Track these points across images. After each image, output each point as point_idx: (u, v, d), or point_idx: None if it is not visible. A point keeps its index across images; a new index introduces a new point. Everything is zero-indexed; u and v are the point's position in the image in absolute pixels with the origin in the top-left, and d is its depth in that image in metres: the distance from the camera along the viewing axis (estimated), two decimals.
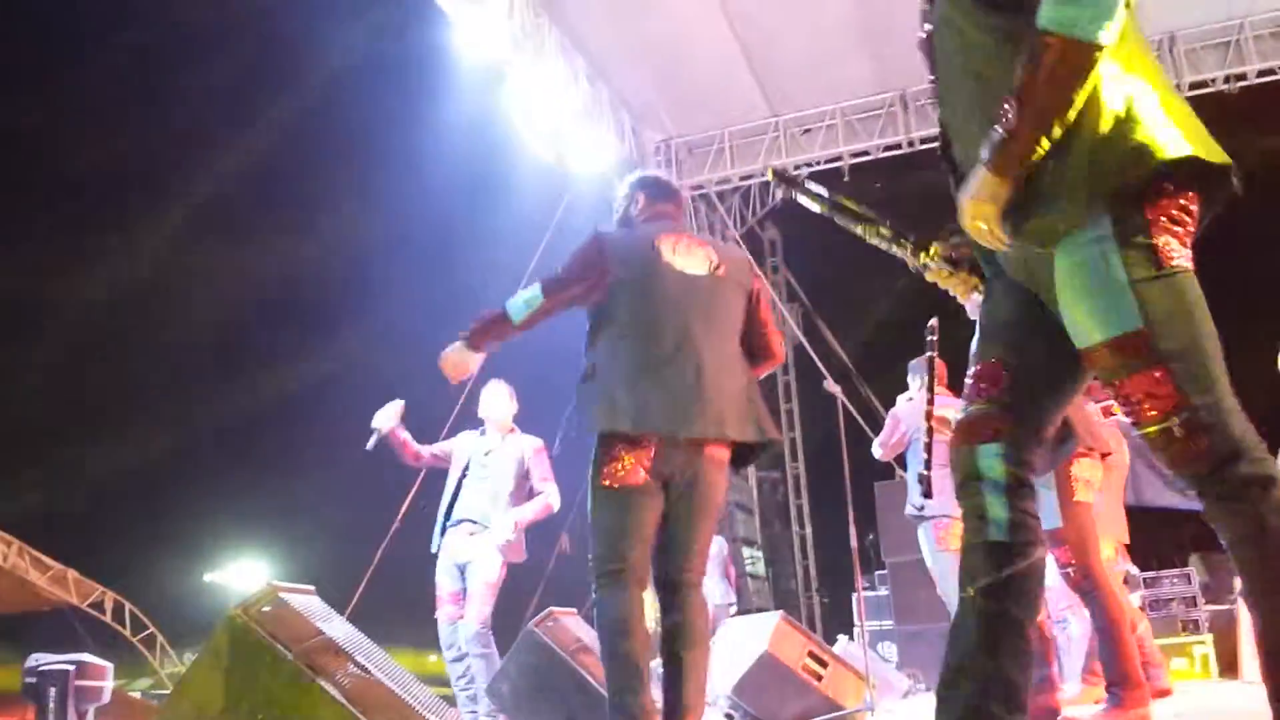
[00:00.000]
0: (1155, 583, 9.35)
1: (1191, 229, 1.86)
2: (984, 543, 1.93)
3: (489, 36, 10.41)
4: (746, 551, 15.23)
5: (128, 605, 15.92)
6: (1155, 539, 7.69)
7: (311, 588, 3.47)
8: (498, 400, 5.95)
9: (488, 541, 5.57)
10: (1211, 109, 12.33)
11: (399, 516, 10.50)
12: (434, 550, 5.68)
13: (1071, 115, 1.81)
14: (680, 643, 3.15)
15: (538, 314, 3.45)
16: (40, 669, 4.88)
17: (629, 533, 3.13)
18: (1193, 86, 12.13)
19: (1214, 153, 1.87)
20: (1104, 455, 5.04)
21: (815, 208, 2.40)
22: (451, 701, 4.54)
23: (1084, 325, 1.86)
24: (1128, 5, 1.82)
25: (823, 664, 5.46)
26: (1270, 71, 11.92)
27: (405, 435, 5.79)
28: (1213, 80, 12.11)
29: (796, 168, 12.70)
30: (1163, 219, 1.82)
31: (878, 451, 6.07)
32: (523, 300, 3.48)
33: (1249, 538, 1.77)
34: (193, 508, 28.58)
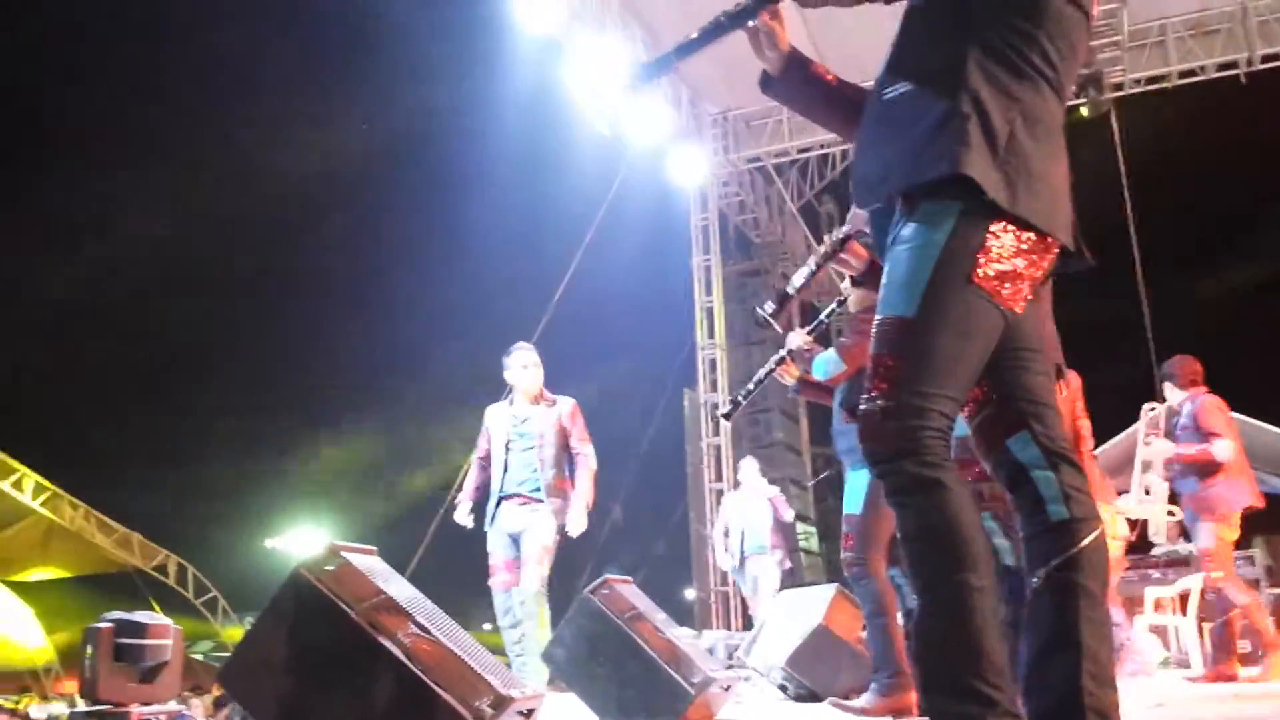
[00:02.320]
0: None
1: (1027, 267, 1.96)
2: (1047, 526, 1.97)
3: (549, 7, 10.40)
4: (800, 527, 15.22)
5: (190, 569, 16.22)
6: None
7: (373, 548, 3.51)
8: (531, 369, 5.95)
9: (539, 509, 5.65)
10: None
11: (455, 487, 10.60)
12: (485, 528, 5.77)
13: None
14: None
15: None
16: (87, 627, 4.96)
17: None
18: (1265, 60, 11.86)
19: (1055, 228, 1.98)
20: None
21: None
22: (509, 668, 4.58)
23: (883, 293, 1.99)
24: (1054, 88, 2.02)
25: None
26: None
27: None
28: None
29: None
30: (1002, 242, 1.93)
31: None
32: None
33: (909, 534, 1.90)
34: (255, 475, 29.08)
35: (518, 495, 5.71)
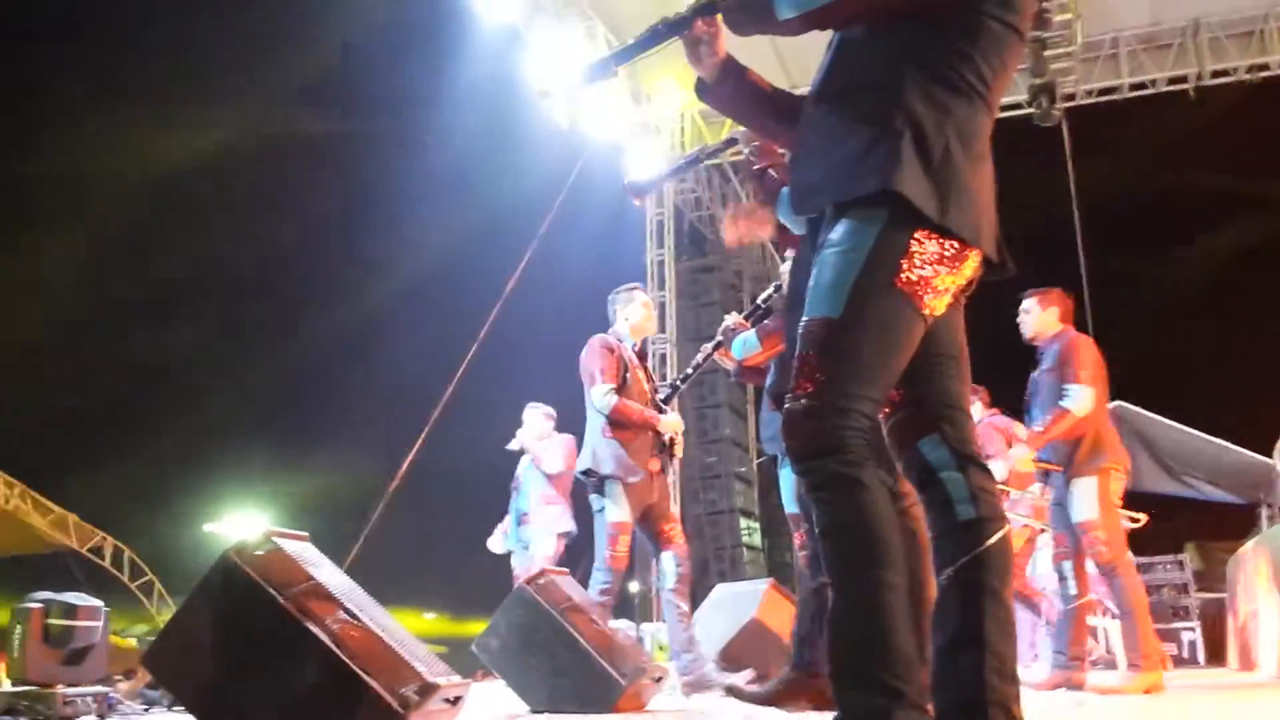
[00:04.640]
0: (1148, 569, 9.38)
1: (949, 274, 2.01)
2: (954, 525, 2.02)
3: None
4: (744, 522, 15.30)
5: (126, 551, 16.01)
6: (1151, 526, 7.71)
7: (306, 534, 3.49)
8: (652, 310, 5.59)
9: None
10: (1232, 98, 12.26)
11: (398, 476, 10.55)
12: (623, 479, 5.26)
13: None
14: None
15: None
16: (15, 607, 4.90)
17: None
18: (1214, 75, 12.06)
19: (981, 240, 2.03)
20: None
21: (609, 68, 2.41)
22: (445, 659, 4.50)
23: (810, 295, 2.04)
24: (986, 104, 2.06)
25: None
26: None
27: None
28: (1234, 69, 12.03)
29: None
30: (925, 249, 1.98)
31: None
32: None
33: (826, 530, 1.94)
34: (194, 459, 28.74)
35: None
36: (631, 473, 5.21)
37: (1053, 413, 5.33)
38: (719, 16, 2.28)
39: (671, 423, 5.34)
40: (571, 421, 5.79)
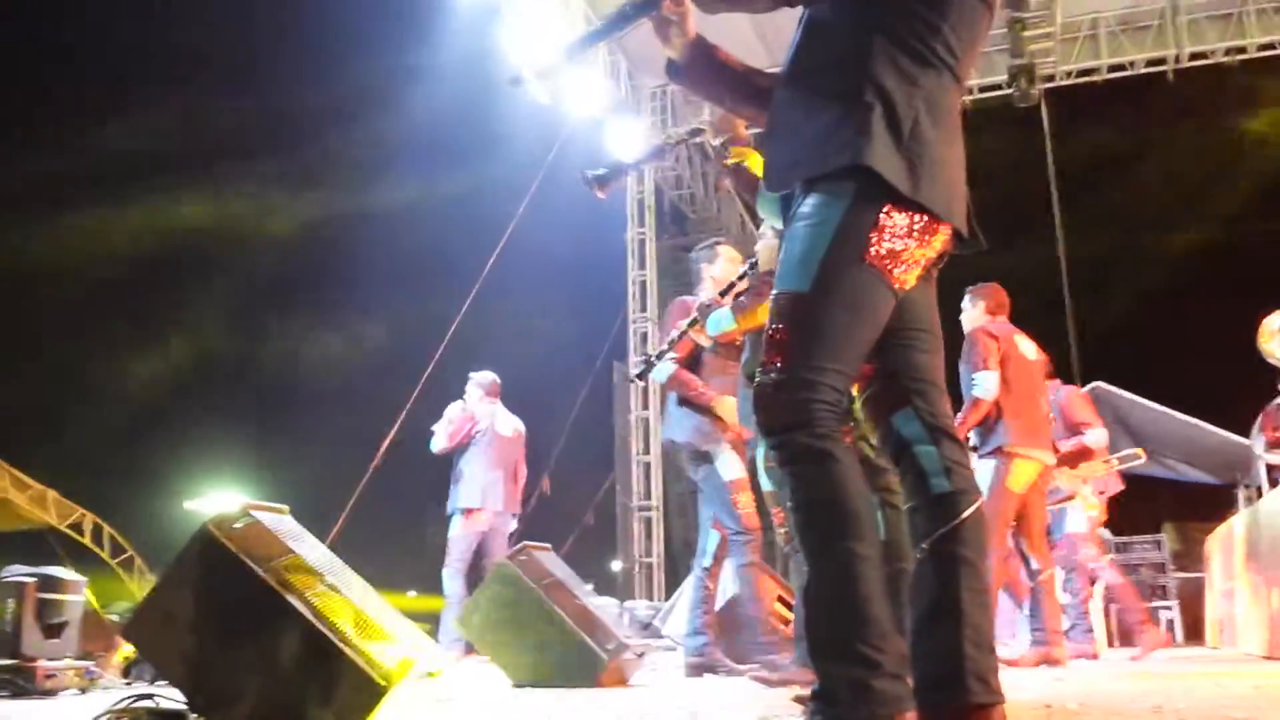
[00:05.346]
0: (1126, 548, 9.47)
1: (918, 247, 2.01)
2: (929, 499, 2.04)
3: None
4: None
5: (106, 528, 15.96)
6: (1130, 506, 7.78)
7: (285, 507, 3.48)
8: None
9: None
10: (1211, 81, 12.31)
11: (379, 454, 10.50)
12: (711, 447, 5.15)
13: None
14: None
15: None
16: (5, 581, 4.81)
17: None
18: (1192, 58, 12.10)
19: (952, 214, 2.03)
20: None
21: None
22: (431, 634, 4.51)
23: (780, 269, 2.04)
24: (955, 76, 2.06)
25: (791, 609, 5.52)
26: (1270, 45, 11.90)
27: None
28: (1212, 52, 12.07)
29: None
30: (894, 222, 1.98)
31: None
32: None
33: (798, 503, 1.95)
34: (175, 436, 28.62)
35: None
36: (715, 443, 5.06)
37: (968, 404, 5.66)
38: None
39: (728, 408, 5.02)
40: (523, 394, 5.79)
